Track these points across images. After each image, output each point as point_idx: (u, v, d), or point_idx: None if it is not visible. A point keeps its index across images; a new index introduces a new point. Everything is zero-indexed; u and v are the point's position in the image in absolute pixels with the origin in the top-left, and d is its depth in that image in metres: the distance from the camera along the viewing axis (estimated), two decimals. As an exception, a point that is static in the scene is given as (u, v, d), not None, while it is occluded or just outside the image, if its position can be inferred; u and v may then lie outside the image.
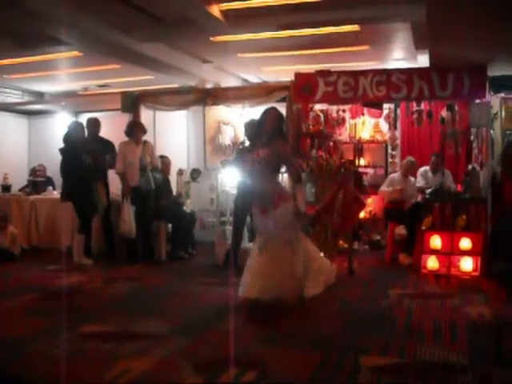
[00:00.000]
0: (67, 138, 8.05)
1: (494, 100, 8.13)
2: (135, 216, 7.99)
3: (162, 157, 8.73)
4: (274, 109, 5.70)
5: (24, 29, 7.06)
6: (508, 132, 8.59)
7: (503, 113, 8.53)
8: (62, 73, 9.49)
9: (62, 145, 8.11)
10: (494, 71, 7.46)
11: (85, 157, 7.86)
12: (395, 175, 8.84)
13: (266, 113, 5.63)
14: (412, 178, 8.73)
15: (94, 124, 8.46)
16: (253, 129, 6.60)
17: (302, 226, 5.78)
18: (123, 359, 3.99)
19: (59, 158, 8.14)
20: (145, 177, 8.04)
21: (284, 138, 5.78)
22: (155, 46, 7.96)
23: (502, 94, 8.33)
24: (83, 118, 9.82)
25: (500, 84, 7.74)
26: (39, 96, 11.49)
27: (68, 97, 11.26)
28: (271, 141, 5.46)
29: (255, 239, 5.71)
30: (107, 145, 8.36)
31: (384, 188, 8.67)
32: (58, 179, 9.39)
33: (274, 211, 5.38)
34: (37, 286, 6.63)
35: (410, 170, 8.61)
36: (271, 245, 5.38)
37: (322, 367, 3.83)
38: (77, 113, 11.62)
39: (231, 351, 4.11)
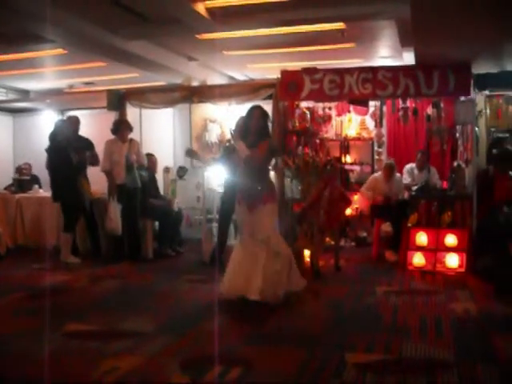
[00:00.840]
0: (54, 136, 8.02)
1: (479, 97, 8.18)
2: (121, 214, 7.96)
3: (148, 155, 8.70)
4: (258, 107, 5.73)
5: (8, 27, 6.99)
6: (492, 129, 8.65)
7: (488, 110, 8.59)
8: (48, 70, 9.41)
9: (47, 143, 8.07)
10: (479, 69, 7.50)
11: (72, 155, 7.84)
12: (377, 175, 8.83)
13: (251, 111, 5.67)
14: (397, 175, 8.75)
15: (75, 122, 8.41)
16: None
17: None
18: (109, 357, 3.98)
19: (45, 156, 8.09)
20: (131, 175, 8.01)
21: (270, 137, 5.82)
22: (141, 44, 7.93)
23: (487, 92, 8.38)
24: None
25: (484, 81, 7.77)
26: (24, 94, 11.39)
27: (53, 95, 11.18)
28: (259, 140, 5.52)
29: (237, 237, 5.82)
30: (86, 142, 8.31)
31: (365, 191, 8.65)
32: (44, 177, 9.34)
33: (260, 209, 5.48)
34: (23, 285, 6.59)
35: (389, 173, 8.59)
36: (250, 242, 5.51)
37: (307, 364, 3.84)
38: (62, 111, 11.54)
39: (217, 349, 4.11)
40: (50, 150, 8.02)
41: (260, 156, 5.51)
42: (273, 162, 7.26)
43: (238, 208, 5.70)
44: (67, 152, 7.83)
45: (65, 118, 8.95)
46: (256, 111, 5.66)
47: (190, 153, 5.80)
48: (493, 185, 7.22)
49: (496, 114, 8.63)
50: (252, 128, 5.61)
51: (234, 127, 6.77)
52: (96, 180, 8.40)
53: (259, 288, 5.24)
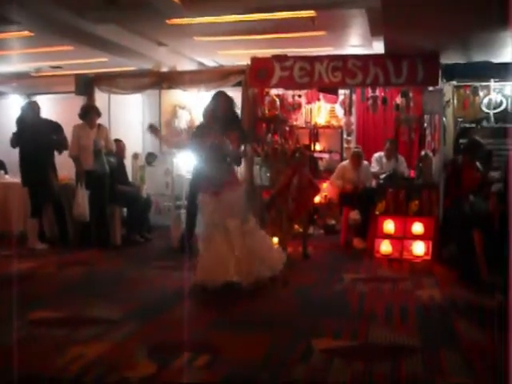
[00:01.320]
0: (21, 120, 7.89)
1: (447, 88, 8.27)
2: (89, 200, 7.87)
3: (116, 140, 8.61)
4: (223, 93, 5.71)
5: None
6: (460, 119, 8.75)
7: (455, 100, 8.69)
8: (14, 53, 9.22)
9: (13, 127, 7.94)
10: (447, 59, 7.59)
11: (39, 139, 7.72)
12: (345, 164, 8.87)
13: (216, 97, 5.64)
14: (365, 163, 8.80)
15: (36, 106, 8.25)
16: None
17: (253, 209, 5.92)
18: (76, 345, 3.94)
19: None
20: (99, 161, 7.92)
21: (239, 124, 5.83)
22: (110, 28, 7.81)
23: (454, 82, 8.47)
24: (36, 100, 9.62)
25: (452, 72, 7.86)
26: (-11, 77, 11.17)
27: (20, 78, 10.97)
28: (226, 126, 5.47)
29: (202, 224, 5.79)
30: (54, 126, 8.15)
31: (334, 179, 8.70)
32: (9, 162, 9.19)
33: (230, 195, 5.46)
34: (-13, 271, 6.51)
35: (356, 161, 8.65)
36: (223, 229, 5.47)
37: (274, 350, 3.87)
38: (29, 95, 11.33)
39: (184, 336, 4.11)
40: (17, 135, 7.89)
41: (232, 144, 5.42)
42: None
43: (203, 196, 5.62)
44: (34, 136, 7.71)
45: (28, 102, 8.78)
46: (221, 97, 5.62)
47: (152, 128, 5.71)
48: (461, 174, 7.32)
49: (463, 105, 8.73)
50: (219, 114, 5.55)
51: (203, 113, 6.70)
52: (63, 165, 8.29)
53: (238, 270, 5.31)
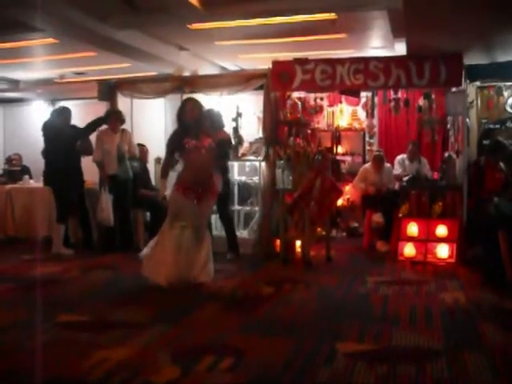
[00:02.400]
0: (49, 125, 7.97)
1: (470, 89, 8.20)
2: (113, 205, 7.94)
3: (139, 145, 8.67)
4: (190, 99, 6.08)
5: (-3, 15, 6.94)
6: (483, 120, 8.68)
7: (479, 101, 8.61)
8: (38, 60, 9.34)
9: (38, 133, 8.03)
10: (470, 60, 7.51)
11: (66, 145, 7.79)
12: (367, 167, 8.83)
13: (182, 105, 5.98)
14: (387, 165, 8.75)
15: (67, 112, 8.33)
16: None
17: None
18: (101, 348, 3.98)
19: (35, 146, 8.05)
20: (123, 166, 8.00)
21: (215, 130, 6.33)
22: (131, 34, 7.88)
23: (478, 83, 8.40)
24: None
25: (476, 72, 7.79)
26: (14, 84, 11.31)
27: (44, 85, 11.11)
28: (199, 131, 5.72)
29: (167, 223, 5.83)
30: (80, 132, 8.24)
31: (357, 183, 8.65)
32: (34, 168, 9.30)
33: (206, 201, 5.75)
34: (13, 276, 6.57)
35: (378, 165, 8.60)
36: (191, 231, 5.70)
37: (297, 353, 3.86)
38: (53, 101, 11.48)
39: (208, 339, 4.13)
40: (45, 139, 7.97)
41: (206, 149, 5.66)
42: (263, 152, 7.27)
43: (181, 199, 5.69)
44: (61, 142, 7.78)
45: (57, 108, 8.87)
46: (188, 104, 5.92)
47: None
48: (484, 176, 7.25)
49: (487, 105, 8.65)
50: (188, 121, 5.77)
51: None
52: (87, 171, 8.36)
53: (203, 270, 5.78)
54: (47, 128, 7.97)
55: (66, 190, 7.87)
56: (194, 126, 5.72)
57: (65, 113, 8.22)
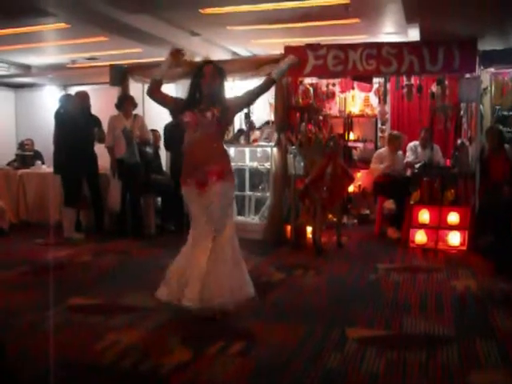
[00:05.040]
0: (60, 113, 7.99)
1: (484, 75, 8.09)
2: (122, 190, 7.96)
3: (152, 130, 8.67)
4: (211, 62, 4.61)
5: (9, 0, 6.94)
6: (497, 107, 8.58)
7: (493, 88, 8.51)
8: (49, 45, 9.34)
9: (50, 118, 8.04)
10: (485, 45, 7.42)
11: (79, 131, 7.80)
12: (382, 151, 8.76)
13: (201, 68, 4.48)
14: (400, 153, 8.70)
15: (84, 97, 8.34)
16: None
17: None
18: (112, 331, 4.02)
19: (47, 131, 8.07)
20: (130, 150, 7.96)
21: (225, 103, 4.47)
22: (143, 18, 7.85)
23: (492, 69, 8.29)
24: (72, 91, 9.76)
25: (490, 58, 7.68)
26: (26, 69, 11.32)
27: (56, 70, 11.11)
28: (211, 104, 4.38)
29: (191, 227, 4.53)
30: (94, 119, 8.28)
31: (375, 165, 8.55)
32: (46, 153, 9.31)
33: (213, 186, 4.29)
34: (26, 259, 6.61)
35: (394, 144, 8.50)
36: (203, 232, 4.32)
37: (308, 339, 3.88)
38: (65, 86, 11.46)
39: (219, 324, 4.15)
40: (56, 127, 7.98)
41: (207, 122, 4.32)
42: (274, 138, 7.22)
43: (185, 191, 4.46)
44: (75, 128, 7.79)
45: (73, 93, 8.88)
46: (208, 68, 4.45)
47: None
48: (488, 163, 7.22)
49: (501, 92, 8.54)
50: (204, 89, 4.41)
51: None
52: (102, 155, 8.38)
53: (197, 293, 4.13)
54: (61, 114, 7.98)
55: (73, 174, 7.89)
56: (208, 96, 4.39)
57: (83, 98, 8.22)
